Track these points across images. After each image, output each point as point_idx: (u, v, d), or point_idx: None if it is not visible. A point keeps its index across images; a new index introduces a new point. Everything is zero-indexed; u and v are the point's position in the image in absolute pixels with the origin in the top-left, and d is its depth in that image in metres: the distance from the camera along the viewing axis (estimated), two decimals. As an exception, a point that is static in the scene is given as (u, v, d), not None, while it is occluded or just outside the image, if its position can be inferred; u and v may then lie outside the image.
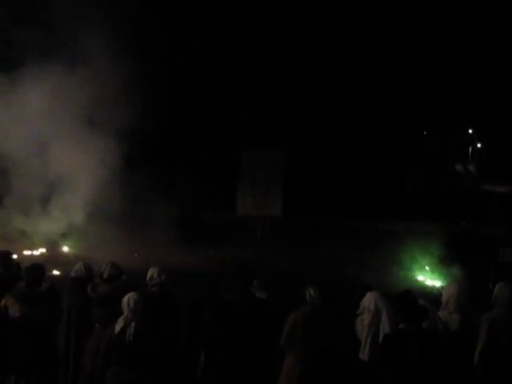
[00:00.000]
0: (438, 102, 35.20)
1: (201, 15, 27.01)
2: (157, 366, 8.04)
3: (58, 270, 17.06)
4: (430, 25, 32.09)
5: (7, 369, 8.88)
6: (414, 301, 7.97)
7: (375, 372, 7.95)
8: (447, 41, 32.60)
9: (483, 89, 34.74)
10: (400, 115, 34.08)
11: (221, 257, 20.76)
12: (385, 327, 8.69)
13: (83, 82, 20.38)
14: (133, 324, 7.88)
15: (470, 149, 53.82)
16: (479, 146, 53.49)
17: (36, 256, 19.70)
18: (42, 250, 21.03)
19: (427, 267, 20.09)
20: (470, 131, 51.76)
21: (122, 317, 7.94)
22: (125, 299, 8.01)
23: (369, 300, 8.76)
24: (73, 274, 9.94)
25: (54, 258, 19.47)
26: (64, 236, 21.98)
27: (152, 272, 9.70)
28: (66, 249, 21.76)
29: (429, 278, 19.91)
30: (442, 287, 12.96)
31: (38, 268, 9.26)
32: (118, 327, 7.92)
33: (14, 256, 10.63)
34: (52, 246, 21.52)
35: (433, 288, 18.47)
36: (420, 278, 20.08)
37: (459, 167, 48.38)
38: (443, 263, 19.27)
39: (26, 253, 19.94)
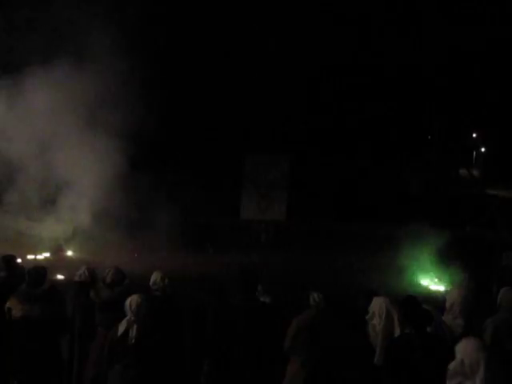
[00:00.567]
0: (441, 106, 35.20)
1: (207, 19, 27.03)
2: (159, 369, 8.02)
3: (61, 274, 17.07)
4: (434, 28, 32.07)
5: (10, 373, 8.88)
6: (417, 305, 7.95)
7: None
8: (451, 44, 32.59)
9: (487, 93, 34.72)
10: (404, 119, 34.05)
11: (224, 261, 20.73)
12: (397, 332, 8.65)
13: (88, 85, 20.39)
14: (135, 326, 7.86)
15: (474, 153, 53.82)
16: (483, 150, 53.49)
17: (40, 260, 19.71)
18: (46, 255, 21.06)
19: (431, 272, 20.06)
20: (474, 135, 51.75)
21: (125, 319, 7.94)
22: (127, 302, 8.00)
23: (379, 305, 8.72)
24: (76, 278, 9.94)
25: (57, 262, 19.48)
26: (68, 240, 22.01)
27: (155, 276, 9.71)
28: (69, 253, 21.78)
29: (433, 283, 19.88)
30: (446, 292, 12.92)
31: (40, 269, 9.30)
32: (121, 329, 7.91)
33: (18, 260, 10.62)
34: (56, 250, 21.55)
35: (437, 292, 18.44)
36: (424, 282, 20.05)
37: (463, 171, 48.33)
38: (447, 267, 19.24)
39: (30, 257, 19.96)
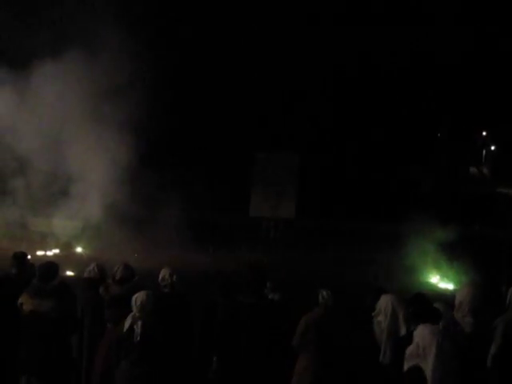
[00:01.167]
0: (452, 104, 35.13)
1: (218, 15, 27.04)
2: (166, 366, 8.03)
3: (71, 270, 17.11)
4: (446, 27, 32.01)
5: (19, 368, 8.90)
6: (426, 303, 7.94)
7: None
8: (463, 43, 32.52)
9: (497, 91, 34.63)
10: (414, 118, 34.01)
11: (233, 258, 20.73)
12: (403, 330, 8.64)
13: (97, 80, 20.40)
14: (139, 322, 7.88)
15: (484, 151, 53.66)
16: (493, 148, 53.32)
17: (49, 257, 19.72)
18: (56, 251, 21.10)
19: (440, 270, 20.04)
20: (484, 133, 51.61)
21: (130, 315, 7.97)
22: (133, 298, 8.03)
23: (385, 303, 8.72)
24: (85, 274, 9.96)
25: (67, 258, 19.51)
26: (77, 237, 22.05)
27: (164, 273, 9.71)
28: (79, 250, 21.81)
29: (442, 281, 19.85)
30: (456, 290, 12.89)
31: (51, 264, 9.30)
32: (126, 324, 7.94)
33: (28, 257, 10.63)
34: (65, 246, 21.59)
35: (446, 291, 18.42)
36: (433, 280, 20.03)
37: (473, 170, 48.24)
38: (456, 266, 19.21)
39: (40, 253, 20.00)
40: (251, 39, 27.07)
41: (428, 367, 7.02)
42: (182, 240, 21.61)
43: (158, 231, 21.53)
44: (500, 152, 50.87)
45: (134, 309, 7.97)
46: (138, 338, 7.86)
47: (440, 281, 19.92)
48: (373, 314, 8.71)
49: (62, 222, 21.71)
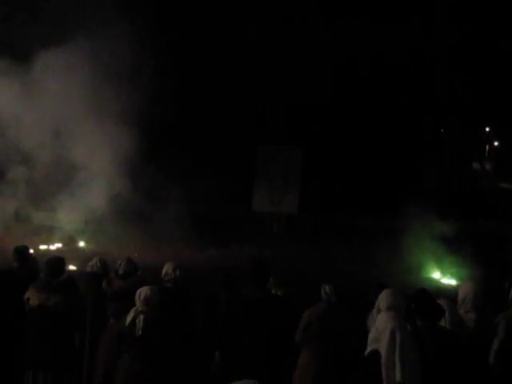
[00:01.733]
0: (455, 99, 35.08)
1: (223, 7, 27.00)
2: (167, 361, 8.04)
3: (73, 265, 17.11)
4: (446, 22, 31.99)
5: (25, 364, 8.92)
6: (429, 299, 7.95)
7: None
8: (464, 38, 32.49)
9: (501, 88, 34.58)
10: (417, 113, 33.98)
11: (236, 253, 20.73)
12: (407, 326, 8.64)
13: (97, 73, 20.34)
14: (142, 317, 7.89)
15: (487, 147, 53.68)
16: (496, 144, 53.34)
17: (52, 251, 19.72)
18: (58, 245, 21.09)
19: (443, 265, 20.04)
20: (487, 129, 51.60)
21: (133, 309, 7.98)
22: (137, 292, 8.05)
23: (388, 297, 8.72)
24: (88, 269, 9.98)
25: (69, 253, 19.48)
26: (80, 231, 22.03)
27: (167, 268, 9.71)
28: (81, 244, 21.80)
29: (444, 276, 19.86)
30: (458, 286, 12.90)
31: (59, 259, 9.33)
32: (128, 318, 7.95)
33: (30, 251, 10.64)
34: (68, 241, 21.57)
35: (448, 286, 18.42)
36: (436, 276, 20.03)
37: (476, 165, 48.24)
38: (459, 261, 19.22)
39: (42, 247, 20.00)
40: (256, 34, 27.07)
41: (383, 351, 7.46)
42: (184, 234, 21.58)
43: (159, 225, 21.50)
44: (503, 148, 50.88)
45: (138, 303, 7.99)
46: (140, 333, 7.87)
47: (442, 276, 19.92)
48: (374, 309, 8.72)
49: (65, 216, 21.69)
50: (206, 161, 27.24)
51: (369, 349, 7.68)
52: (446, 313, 8.04)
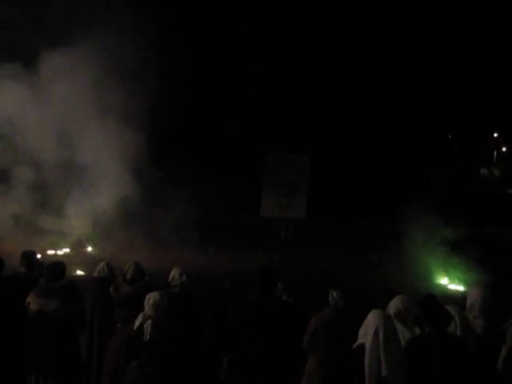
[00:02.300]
0: (463, 105, 35.07)
1: (229, 13, 27.03)
2: (175, 367, 8.02)
3: (81, 270, 17.12)
4: (457, 28, 31.97)
5: (27, 368, 8.91)
6: (437, 305, 7.91)
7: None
8: (473, 45, 32.48)
9: (509, 93, 34.55)
10: (425, 119, 33.98)
11: (244, 258, 20.72)
12: (416, 331, 8.61)
13: (103, 77, 20.35)
14: (150, 322, 7.89)
15: (495, 153, 53.59)
16: (504, 149, 53.24)
17: (60, 256, 19.74)
18: (66, 250, 21.11)
19: (450, 271, 19.97)
20: (495, 135, 51.53)
21: (141, 314, 7.97)
22: (146, 297, 8.05)
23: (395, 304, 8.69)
24: (95, 274, 9.99)
25: (77, 258, 19.52)
26: (88, 236, 22.06)
27: (174, 273, 9.71)
28: (89, 249, 21.82)
29: (452, 282, 19.79)
30: (466, 291, 12.87)
31: (58, 264, 9.29)
32: (136, 323, 7.95)
33: (38, 256, 10.64)
34: (76, 246, 21.59)
35: (456, 292, 18.36)
36: (443, 282, 19.96)
37: (484, 171, 48.16)
38: (467, 267, 19.15)
39: (50, 252, 20.02)
40: (263, 40, 27.10)
41: (367, 346, 7.78)
42: (191, 240, 21.58)
43: (167, 230, 21.51)
44: (511, 153, 50.79)
45: (146, 308, 7.99)
46: (148, 338, 7.86)
47: (450, 282, 19.86)
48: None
49: (72, 221, 21.73)
50: (214, 167, 27.28)
51: (357, 342, 7.97)
52: (456, 319, 8.01)
